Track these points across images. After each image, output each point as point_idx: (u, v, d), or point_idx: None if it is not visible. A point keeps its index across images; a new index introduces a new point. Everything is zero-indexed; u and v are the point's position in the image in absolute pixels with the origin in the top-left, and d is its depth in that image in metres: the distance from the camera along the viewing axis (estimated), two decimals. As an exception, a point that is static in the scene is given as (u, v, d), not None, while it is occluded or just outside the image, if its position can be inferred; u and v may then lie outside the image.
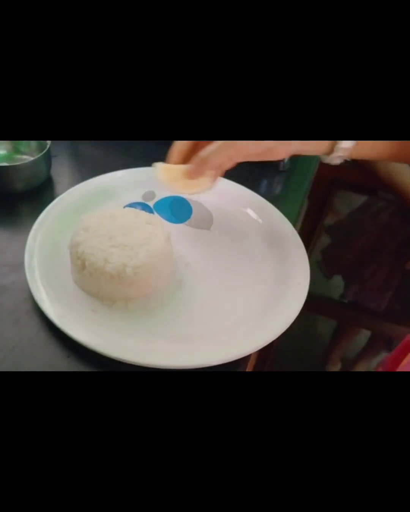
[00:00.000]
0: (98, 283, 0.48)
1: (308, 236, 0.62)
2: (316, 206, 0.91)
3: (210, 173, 0.51)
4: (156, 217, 0.53)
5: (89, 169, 0.67)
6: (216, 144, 0.47)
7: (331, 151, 0.48)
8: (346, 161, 0.92)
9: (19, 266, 0.52)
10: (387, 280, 1.03)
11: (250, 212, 0.61)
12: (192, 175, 0.49)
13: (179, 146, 0.51)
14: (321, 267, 0.99)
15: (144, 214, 0.53)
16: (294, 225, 0.61)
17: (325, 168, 0.82)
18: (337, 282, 1.05)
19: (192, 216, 0.61)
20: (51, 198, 0.62)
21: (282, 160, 0.70)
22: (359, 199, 0.99)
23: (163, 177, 0.51)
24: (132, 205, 0.61)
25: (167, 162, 0.51)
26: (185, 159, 0.51)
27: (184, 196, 0.63)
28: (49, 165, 0.63)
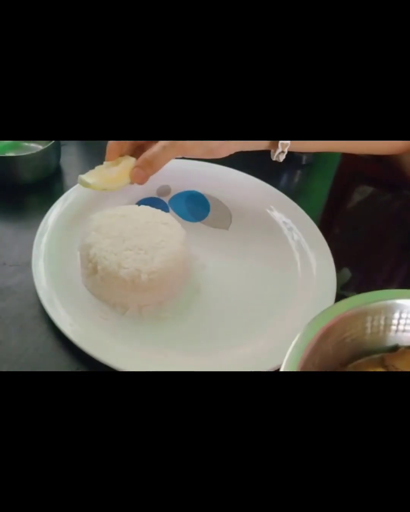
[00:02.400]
0: (111, 289, 0.45)
1: (324, 231, 0.60)
2: (335, 201, 0.87)
3: (129, 167, 0.50)
4: (172, 217, 0.50)
5: (100, 158, 0.62)
6: (159, 146, 0.47)
7: (274, 146, 0.49)
8: (368, 155, 0.87)
9: (26, 265, 0.48)
10: (392, 272, 1.00)
11: (272, 210, 0.58)
12: (140, 179, 0.49)
13: (115, 146, 0.50)
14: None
15: (159, 213, 0.50)
16: (317, 222, 0.58)
17: (345, 162, 0.78)
18: (344, 274, 1.01)
19: (210, 214, 0.57)
20: (61, 190, 0.58)
21: (306, 154, 0.66)
22: (378, 194, 0.94)
23: (90, 181, 0.50)
24: (146, 200, 0.57)
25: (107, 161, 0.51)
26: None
27: (202, 191, 0.59)
28: (58, 155, 0.59)
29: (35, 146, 0.61)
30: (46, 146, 0.56)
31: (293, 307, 0.48)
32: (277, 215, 0.57)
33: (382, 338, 0.36)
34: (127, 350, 0.42)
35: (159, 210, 0.50)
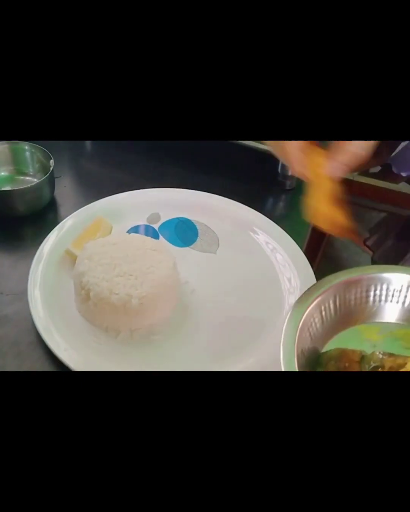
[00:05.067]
0: (103, 314, 0.47)
1: (310, 254, 0.61)
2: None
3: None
4: (161, 243, 0.52)
5: (93, 189, 0.66)
6: None
7: None
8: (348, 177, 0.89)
9: (22, 294, 0.51)
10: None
11: (258, 234, 0.60)
12: None
13: None
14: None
15: (149, 240, 0.52)
16: (302, 246, 0.60)
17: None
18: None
19: (198, 239, 0.60)
20: (55, 221, 0.61)
21: (289, 179, 0.69)
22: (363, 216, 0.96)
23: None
24: (137, 228, 0.59)
25: None
26: None
27: (190, 217, 0.61)
28: (52, 188, 0.62)
29: (30, 180, 0.64)
30: (40, 180, 0.59)
31: (279, 325, 0.50)
32: (262, 238, 0.60)
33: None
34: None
35: (149, 238, 0.52)
